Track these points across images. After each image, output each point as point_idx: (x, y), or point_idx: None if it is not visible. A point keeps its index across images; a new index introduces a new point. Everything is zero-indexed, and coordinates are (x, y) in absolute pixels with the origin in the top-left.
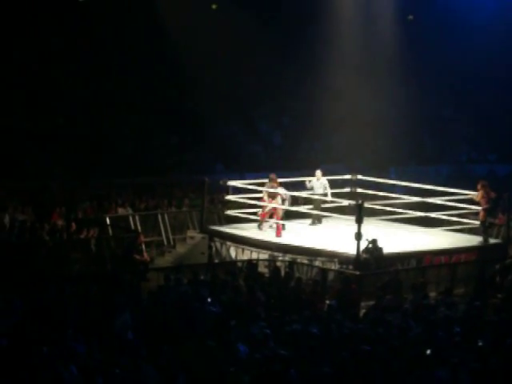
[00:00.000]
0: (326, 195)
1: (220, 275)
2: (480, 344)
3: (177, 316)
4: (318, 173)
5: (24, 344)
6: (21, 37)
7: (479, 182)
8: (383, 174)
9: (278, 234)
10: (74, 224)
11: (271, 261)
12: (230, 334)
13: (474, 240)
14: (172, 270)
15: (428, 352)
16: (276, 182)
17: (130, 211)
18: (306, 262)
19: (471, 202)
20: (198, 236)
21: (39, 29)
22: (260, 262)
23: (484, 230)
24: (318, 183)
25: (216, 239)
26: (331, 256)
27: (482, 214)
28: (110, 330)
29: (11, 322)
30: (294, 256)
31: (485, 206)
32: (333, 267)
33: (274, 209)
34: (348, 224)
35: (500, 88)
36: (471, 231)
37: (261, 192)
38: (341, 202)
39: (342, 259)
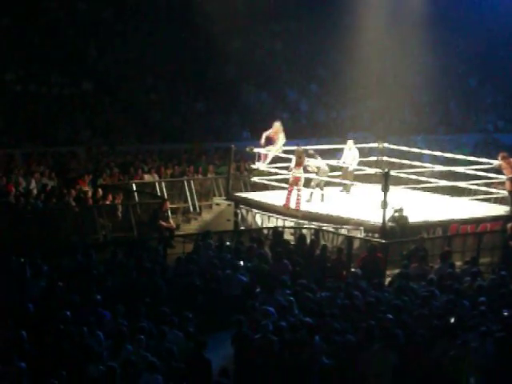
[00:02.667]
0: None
1: (246, 242)
2: (505, 313)
3: (204, 283)
4: (350, 142)
5: (51, 310)
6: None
7: (499, 153)
8: (410, 143)
9: (288, 202)
10: (100, 190)
11: (297, 228)
12: (255, 301)
13: (500, 209)
14: (198, 237)
15: (452, 320)
16: (302, 155)
17: (157, 178)
18: (331, 230)
19: (498, 171)
20: (224, 203)
21: None
22: (286, 230)
23: (511, 200)
24: (349, 153)
25: (242, 206)
26: (357, 224)
27: (507, 183)
28: (135, 297)
29: (38, 287)
30: (320, 224)
31: (510, 176)
32: (358, 235)
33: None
34: (374, 192)
35: None
36: (497, 200)
37: (286, 160)
38: (366, 171)
39: (368, 227)
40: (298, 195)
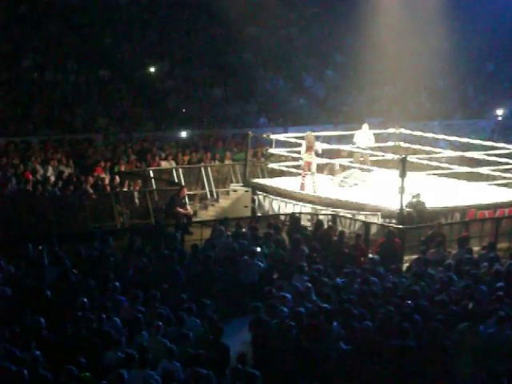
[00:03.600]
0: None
1: (263, 228)
2: None
3: (222, 270)
4: (365, 126)
5: (68, 296)
6: None
7: None
8: (427, 128)
9: (303, 188)
10: (117, 177)
11: (314, 214)
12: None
13: None
14: (216, 224)
15: (470, 306)
16: (311, 140)
17: (174, 164)
18: (348, 215)
19: None
20: (241, 189)
21: None
22: (303, 216)
23: None
24: (363, 136)
25: (259, 192)
26: (374, 210)
27: None
28: (153, 284)
29: (55, 273)
30: (337, 210)
31: None
32: (376, 221)
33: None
34: (391, 178)
35: None
36: None
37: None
38: (384, 156)
39: (385, 213)
40: (314, 180)
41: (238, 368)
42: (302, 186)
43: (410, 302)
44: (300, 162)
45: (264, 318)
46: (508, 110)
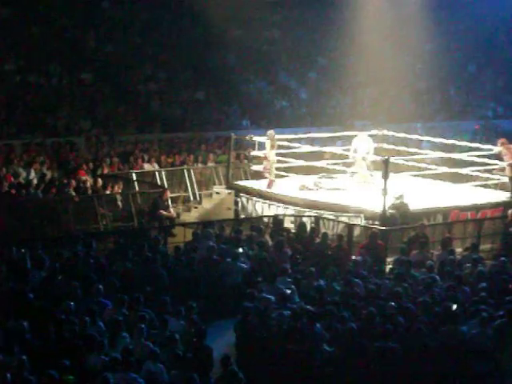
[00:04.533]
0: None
1: (246, 231)
2: (507, 299)
3: (205, 272)
4: (362, 135)
5: (51, 299)
6: None
7: (499, 139)
8: (409, 130)
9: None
10: (100, 180)
11: (297, 216)
12: (257, 290)
13: (500, 195)
14: (199, 226)
15: (454, 307)
16: (273, 138)
17: (157, 167)
18: (331, 217)
19: (498, 157)
20: (224, 191)
21: None
22: (286, 218)
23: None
24: (362, 145)
25: (242, 195)
26: (357, 211)
27: (508, 169)
28: (137, 286)
29: (39, 277)
30: (320, 211)
31: (510, 162)
32: (359, 223)
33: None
34: (375, 179)
35: None
36: (498, 187)
37: (286, 148)
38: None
39: (368, 215)
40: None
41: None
42: (270, 184)
43: (393, 303)
44: (285, 165)
45: (251, 320)
46: (491, 111)
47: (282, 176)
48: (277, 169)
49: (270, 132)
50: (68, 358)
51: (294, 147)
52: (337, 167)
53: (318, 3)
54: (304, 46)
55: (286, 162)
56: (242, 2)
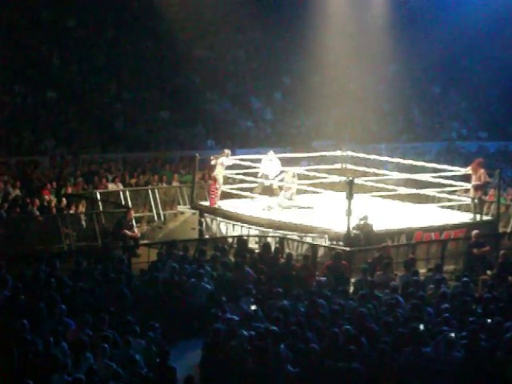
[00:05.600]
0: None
1: (210, 251)
2: (470, 320)
3: (169, 292)
4: (271, 153)
5: (14, 319)
6: (9, 8)
7: (476, 159)
8: (373, 151)
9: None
10: (64, 199)
11: (261, 236)
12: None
13: (463, 217)
14: (163, 246)
15: (421, 328)
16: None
17: (121, 186)
18: (296, 238)
19: (461, 178)
20: (189, 212)
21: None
22: (250, 238)
23: (475, 207)
24: (270, 164)
25: (206, 215)
26: (321, 232)
27: (472, 190)
28: (101, 306)
29: (2, 297)
30: (285, 232)
31: (475, 183)
32: (323, 243)
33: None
34: (338, 200)
35: (491, 65)
36: (461, 208)
37: (252, 168)
38: (327, 178)
39: (332, 235)
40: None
41: None
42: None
43: (356, 323)
44: (249, 185)
45: (222, 341)
46: (455, 132)
47: (246, 196)
48: (241, 189)
49: (228, 151)
50: (32, 379)
51: (257, 167)
52: (302, 187)
53: (282, 24)
54: (269, 67)
55: (250, 182)
56: (206, 22)
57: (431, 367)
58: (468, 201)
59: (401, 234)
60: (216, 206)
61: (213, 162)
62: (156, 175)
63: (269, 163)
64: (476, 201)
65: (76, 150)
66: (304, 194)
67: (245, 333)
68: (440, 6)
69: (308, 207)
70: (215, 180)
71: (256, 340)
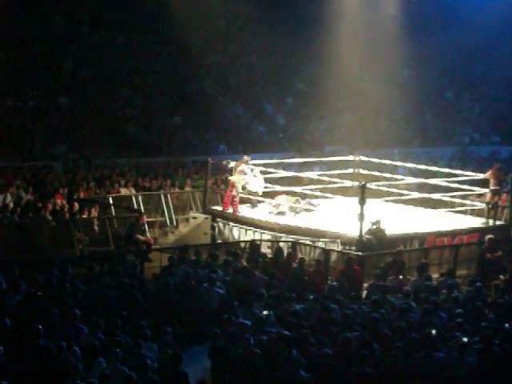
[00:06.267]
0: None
1: (223, 256)
2: (483, 325)
3: (181, 297)
4: (256, 170)
5: (27, 325)
6: (21, 13)
7: (494, 165)
8: (386, 156)
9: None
10: (76, 204)
11: (274, 241)
12: (231, 315)
13: (476, 221)
14: (175, 251)
15: (433, 333)
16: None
17: (133, 191)
18: (308, 242)
19: (474, 183)
20: (201, 216)
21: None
22: (263, 243)
23: (489, 211)
24: (255, 181)
25: (219, 220)
26: (334, 237)
27: (488, 195)
28: (113, 311)
29: (15, 302)
30: (297, 237)
31: (493, 188)
32: (335, 248)
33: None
34: (351, 205)
35: (504, 70)
36: (474, 213)
37: (265, 173)
38: (343, 183)
39: (345, 240)
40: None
41: None
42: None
43: (369, 328)
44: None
45: (223, 346)
46: (467, 137)
47: (259, 201)
48: (255, 194)
49: (247, 157)
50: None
51: (271, 172)
52: (315, 192)
53: (295, 29)
54: (282, 72)
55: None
56: (220, 27)
57: (444, 372)
58: (481, 206)
59: (413, 238)
60: (238, 213)
61: (230, 166)
62: (168, 180)
63: (254, 179)
64: (490, 206)
65: (88, 155)
66: (315, 200)
67: (249, 337)
68: (453, 11)
69: (313, 207)
70: (232, 186)
71: (268, 345)
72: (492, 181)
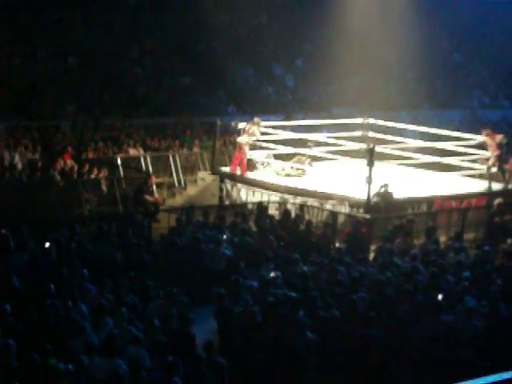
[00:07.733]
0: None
1: (230, 217)
2: (490, 289)
3: (189, 258)
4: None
5: (35, 284)
6: None
7: (483, 130)
8: (395, 118)
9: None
10: (85, 164)
11: (282, 203)
12: (240, 276)
13: (484, 185)
14: (183, 212)
15: (440, 297)
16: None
17: (142, 152)
18: (316, 204)
19: (483, 147)
20: (209, 178)
21: None
22: (270, 205)
23: (489, 176)
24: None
25: (227, 181)
26: (342, 199)
27: (491, 160)
28: (120, 271)
29: (23, 260)
30: (305, 199)
31: (496, 153)
32: (343, 210)
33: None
34: (359, 167)
35: None
36: (482, 176)
37: (272, 134)
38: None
39: (353, 203)
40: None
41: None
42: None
43: (375, 291)
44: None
45: (228, 306)
46: (477, 101)
47: (268, 163)
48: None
49: (258, 119)
50: (50, 342)
51: (277, 134)
52: (322, 154)
53: None
54: (291, 33)
55: (271, 149)
56: None
57: (451, 336)
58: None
59: (421, 202)
60: (246, 175)
61: (240, 126)
62: (177, 140)
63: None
64: (494, 170)
65: (97, 116)
66: (323, 162)
67: (248, 297)
68: None
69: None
70: (240, 147)
71: (275, 306)
72: (492, 147)
